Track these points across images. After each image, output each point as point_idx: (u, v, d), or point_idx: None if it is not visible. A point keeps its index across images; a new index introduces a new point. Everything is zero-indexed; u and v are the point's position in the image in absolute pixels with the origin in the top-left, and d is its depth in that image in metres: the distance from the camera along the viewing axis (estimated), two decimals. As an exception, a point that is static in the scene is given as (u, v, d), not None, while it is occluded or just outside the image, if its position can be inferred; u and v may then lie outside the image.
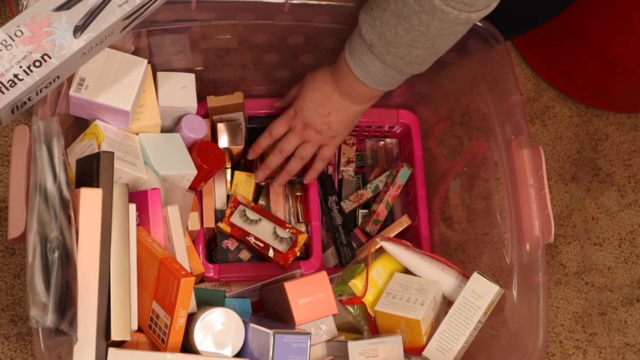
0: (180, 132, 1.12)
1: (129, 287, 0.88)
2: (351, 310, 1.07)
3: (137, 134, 1.07)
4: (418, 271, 1.07)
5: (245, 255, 1.18)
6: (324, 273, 0.97)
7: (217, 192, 1.20)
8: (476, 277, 1.01)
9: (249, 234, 1.16)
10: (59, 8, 0.85)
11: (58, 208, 0.82)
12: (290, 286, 0.95)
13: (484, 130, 1.16)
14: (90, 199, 0.86)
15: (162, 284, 0.88)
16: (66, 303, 0.80)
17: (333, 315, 0.98)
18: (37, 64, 0.84)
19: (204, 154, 1.10)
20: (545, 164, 1.03)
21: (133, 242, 0.90)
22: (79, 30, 0.86)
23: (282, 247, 1.16)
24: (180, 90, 1.13)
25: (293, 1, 1.04)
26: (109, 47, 0.97)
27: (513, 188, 1.05)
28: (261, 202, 1.24)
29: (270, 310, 1.07)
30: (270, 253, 1.15)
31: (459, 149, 1.22)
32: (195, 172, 1.08)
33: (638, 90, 1.54)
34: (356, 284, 1.06)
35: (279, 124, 1.13)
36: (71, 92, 0.98)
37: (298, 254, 1.17)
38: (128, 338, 0.87)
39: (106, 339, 0.85)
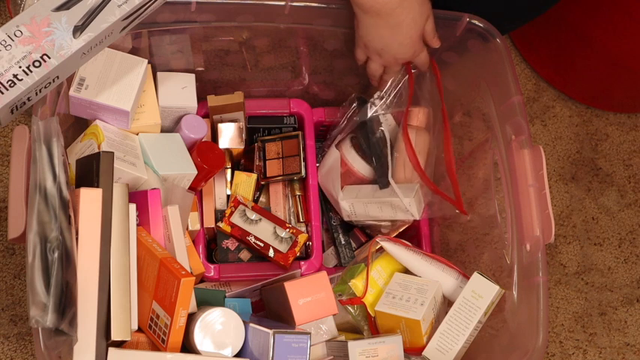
0: (180, 132, 1.12)
1: (129, 287, 0.88)
2: (351, 310, 1.07)
3: (137, 134, 1.07)
4: (418, 271, 1.07)
5: (245, 255, 1.18)
6: (324, 273, 0.97)
7: (217, 192, 1.20)
8: (476, 277, 1.01)
9: (249, 234, 1.16)
10: (59, 8, 0.85)
11: (57, 208, 0.82)
12: (290, 286, 0.95)
13: (484, 130, 1.16)
14: (90, 199, 0.86)
15: (162, 284, 0.88)
16: (66, 303, 0.80)
17: (333, 315, 0.98)
18: (37, 64, 0.84)
19: (204, 154, 1.10)
20: (545, 164, 1.03)
21: (133, 242, 0.90)
22: (78, 30, 0.86)
23: (282, 247, 1.16)
24: (180, 90, 1.13)
25: (293, 4, 1.04)
26: (108, 47, 0.97)
27: (514, 188, 1.05)
28: (261, 201, 1.24)
29: (270, 310, 1.07)
30: (270, 253, 1.15)
31: (459, 149, 1.22)
32: (195, 172, 1.08)
33: (638, 90, 1.54)
34: (356, 284, 1.06)
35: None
36: (71, 92, 0.98)
37: (298, 254, 1.17)
38: (128, 338, 0.87)
39: (106, 339, 0.85)
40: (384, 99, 1.19)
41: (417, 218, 1.15)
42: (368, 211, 1.18)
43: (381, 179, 1.17)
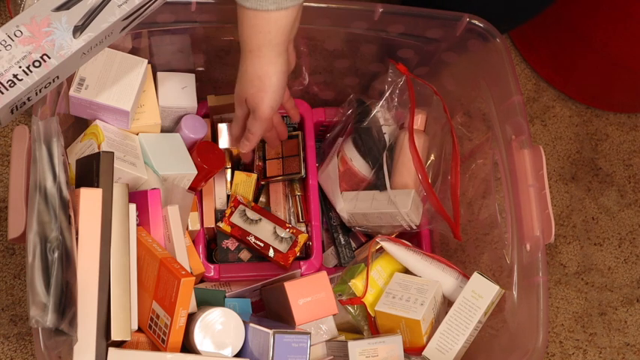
0: (180, 132, 1.12)
1: (129, 287, 0.88)
2: (351, 310, 1.07)
3: (137, 134, 1.07)
4: (418, 271, 1.07)
5: (245, 255, 1.18)
6: (324, 273, 0.97)
7: (217, 192, 1.20)
8: (476, 277, 1.01)
9: (249, 234, 1.16)
10: (59, 8, 0.85)
11: (57, 208, 0.82)
12: (290, 286, 0.95)
13: (484, 130, 1.16)
14: (90, 199, 0.86)
15: (162, 284, 0.88)
16: (66, 303, 0.80)
17: (333, 315, 0.98)
18: (37, 64, 0.84)
19: (204, 154, 1.10)
20: (545, 164, 1.03)
21: (133, 242, 0.90)
22: (78, 30, 0.86)
23: (282, 247, 1.16)
24: (180, 90, 1.13)
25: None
26: (108, 47, 0.97)
27: (514, 188, 1.05)
28: (261, 201, 1.24)
29: (270, 310, 1.07)
30: (271, 253, 1.15)
31: (459, 149, 1.22)
32: (195, 172, 1.08)
33: (638, 90, 1.54)
34: (356, 284, 1.06)
35: None
36: (71, 92, 0.98)
37: (298, 254, 1.17)
38: (128, 338, 0.87)
39: (106, 339, 0.85)
40: (383, 100, 1.19)
41: (417, 224, 1.15)
42: (368, 221, 1.19)
43: (380, 182, 1.17)
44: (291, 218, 1.23)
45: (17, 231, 0.86)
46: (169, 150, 1.08)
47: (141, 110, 1.06)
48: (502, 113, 1.10)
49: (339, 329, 1.05)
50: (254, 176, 1.21)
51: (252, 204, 1.19)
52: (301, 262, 1.17)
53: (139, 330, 0.92)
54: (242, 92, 1.01)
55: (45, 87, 0.87)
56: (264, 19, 0.92)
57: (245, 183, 1.20)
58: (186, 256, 0.98)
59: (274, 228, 1.17)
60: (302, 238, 1.17)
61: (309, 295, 0.95)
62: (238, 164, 1.25)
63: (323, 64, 1.24)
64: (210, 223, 1.17)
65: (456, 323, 1.00)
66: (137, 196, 0.96)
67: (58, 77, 0.88)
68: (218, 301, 1.00)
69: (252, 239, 1.16)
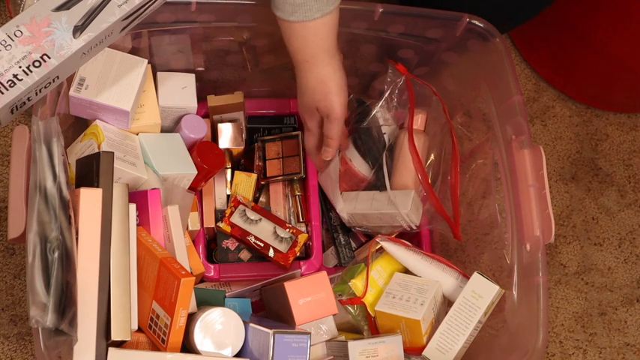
0: (180, 132, 1.12)
1: (129, 287, 0.88)
2: (351, 310, 1.07)
3: (137, 134, 1.07)
4: (418, 271, 1.07)
5: (245, 255, 1.18)
6: (324, 273, 0.97)
7: (217, 192, 1.20)
8: (476, 277, 1.01)
9: (249, 234, 1.16)
10: (59, 8, 0.85)
11: (58, 208, 0.82)
12: (290, 286, 0.95)
13: (484, 130, 1.16)
14: (90, 199, 0.86)
15: (163, 284, 0.88)
16: (66, 303, 0.80)
17: (333, 315, 0.98)
18: (37, 64, 0.84)
19: (204, 154, 1.10)
20: (545, 164, 1.03)
21: (133, 242, 0.90)
22: (78, 30, 0.86)
23: (282, 247, 1.16)
24: (180, 90, 1.13)
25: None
26: (108, 47, 0.97)
27: (514, 188, 1.05)
28: (262, 201, 1.24)
29: (270, 310, 1.07)
30: (271, 253, 1.15)
31: (459, 149, 1.22)
32: (195, 172, 1.08)
33: (638, 90, 1.54)
34: (356, 284, 1.06)
35: None
36: (71, 92, 0.98)
37: (298, 254, 1.17)
38: (128, 338, 0.87)
39: (106, 339, 0.85)
40: (383, 100, 1.19)
41: (417, 224, 1.15)
42: (367, 221, 1.19)
43: (380, 182, 1.17)
44: (291, 218, 1.23)
45: (17, 231, 0.86)
46: (169, 150, 1.08)
47: (141, 110, 1.06)
48: (502, 113, 1.10)
49: (339, 329, 1.05)
50: (254, 176, 1.21)
51: (252, 204, 1.19)
52: (301, 262, 1.17)
53: (139, 330, 0.92)
54: (309, 102, 1.04)
55: (45, 87, 0.87)
56: (313, 29, 0.96)
57: (245, 183, 1.20)
58: (186, 256, 0.98)
59: (274, 228, 1.17)
60: (302, 238, 1.17)
61: (309, 295, 0.95)
62: (238, 164, 1.25)
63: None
64: (210, 223, 1.17)
65: (456, 323, 1.00)
66: (137, 196, 0.96)
67: (58, 77, 0.88)
68: (218, 301, 1.00)
69: (252, 239, 1.16)
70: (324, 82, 1.01)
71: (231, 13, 1.07)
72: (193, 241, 1.14)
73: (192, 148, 1.11)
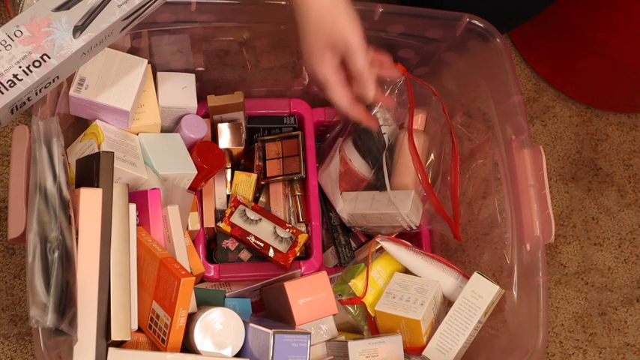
0: (180, 132, 1.12)
1: (129, 287, 0.88)
2: (351, 310, 1.07)
3: (137, 134, 1.07)
4: (418, 271, 1.07)
5: (245, 255, 1.18)
6: (324, 273, 0.97)
7: (217, 192, 1.20)
8: (476, 277, 1.01)
9: (249, 234, 1.16)
10: (59, 8, 0.85)
11: (58, 208, 0.82)
12: (290, 286, 0.95)
13: (484, 130, 1.16)
14: (90, 199, 0.86)
15: (163, 284, 0.88)
16: (66, 303, 0.80)
17: (333, 315, 0.98)
18: (37, 64, 0.84)
19: (204, 154, 1.10)
20: (545, 164, 1.03)
21: (133, 242, 0.90)
22: (78, 30, 0.86)
23: (282, 247, 1.16)
24: (180, 90, 1.13)
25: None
26: (108, 47, 0.97)
27: (514, 188, 1.05)
28: (262, 201, 1.24)
29: (270, 310, 1.07)
30: (271, 253, 1.15)
31: (459, 149, 1.22)
32: (195, 172, 1.08)
33: (638, 90, 1.54)
34: (356, 284, 1.06)
35: None
36: (71, 92, 0.98)
37: (298, 254, 1.17)
38: (128, 338, 0.87)
39: (106, 339, 0.85)
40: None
41: (417, 224, 1.15)
42: (367, 221, 1.19)
43: (380, 182, 1.17)
44: (291, 218, 1.23)
45: (17, 231, 0.86)
46: (169, 150, 1.08)
47: (141, 110, 1.06)
48: (502, 113, 1.10)
49: (339, 329, 1.04)
50: (254, 176, 1.21)
51: (252, 204, 1.19)
52: (301, 262, 1.17)
53: (139, 330, 0.92)
54: (317, 41, 0.90)
55: (45, 87, 0.87)
56: None
57: (245, 183, 1.20)
58: (186, 256, 0.98)
59: (274, 228, 1.17)
60: (302, 238, 1.17)
61: (309, 295, 0.95)
62: (238, 164, 1.25)
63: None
64: (210, 223, 1.17)
65: (456, 323, 1.00)
66: (137, 196, 0.96)
67: (58, 77, 0.88)
68: (218, 301, 1.00)
69: (252, 239, 1.16)
70: (330, 8, 0.88)
71: (231, 13, 1.07)
72: (193, 241, 1.14)
73: (192, 148, 1.11)
